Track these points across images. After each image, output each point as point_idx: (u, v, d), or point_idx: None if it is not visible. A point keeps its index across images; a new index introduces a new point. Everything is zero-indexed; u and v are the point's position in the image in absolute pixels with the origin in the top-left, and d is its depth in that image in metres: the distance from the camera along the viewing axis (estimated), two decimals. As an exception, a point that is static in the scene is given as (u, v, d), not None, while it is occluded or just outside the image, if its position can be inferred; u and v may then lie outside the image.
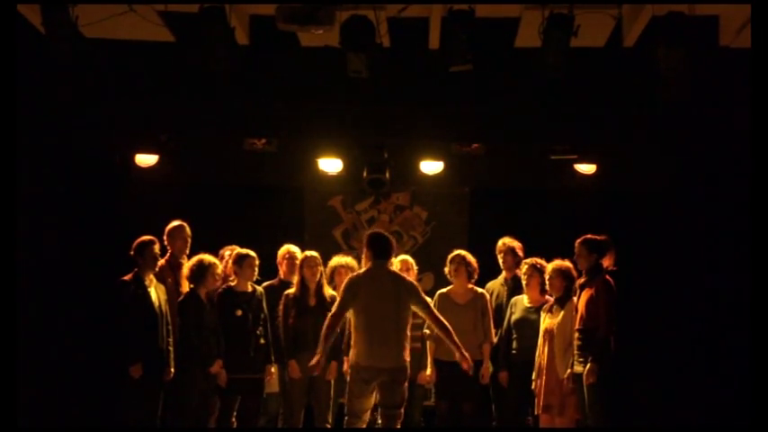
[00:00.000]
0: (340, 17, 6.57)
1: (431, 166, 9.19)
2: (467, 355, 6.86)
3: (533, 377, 7.45)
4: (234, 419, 7.40)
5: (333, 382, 7.59)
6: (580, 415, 7.14)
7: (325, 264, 7.82)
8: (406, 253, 8.79)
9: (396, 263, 7.72)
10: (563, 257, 7.40)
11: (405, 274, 7.34)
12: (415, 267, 8.00)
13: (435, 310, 7.10)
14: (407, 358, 6.90)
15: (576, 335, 7.12)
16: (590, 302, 7.07)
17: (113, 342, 7.38)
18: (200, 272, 7.25)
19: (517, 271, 7.93)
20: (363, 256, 7.07)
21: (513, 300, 7.82)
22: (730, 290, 8.39)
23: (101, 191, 9.04)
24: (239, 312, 7.38)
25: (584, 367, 6.99)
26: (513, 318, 7.74)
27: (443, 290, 7.86)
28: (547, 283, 7.46)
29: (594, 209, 9.09)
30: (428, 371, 7.71)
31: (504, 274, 8.12)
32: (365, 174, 8.95)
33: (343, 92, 7.68)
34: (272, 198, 9.75)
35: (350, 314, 6.88)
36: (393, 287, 6.87)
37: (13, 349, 5.94)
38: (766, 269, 5.64)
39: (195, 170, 9.46)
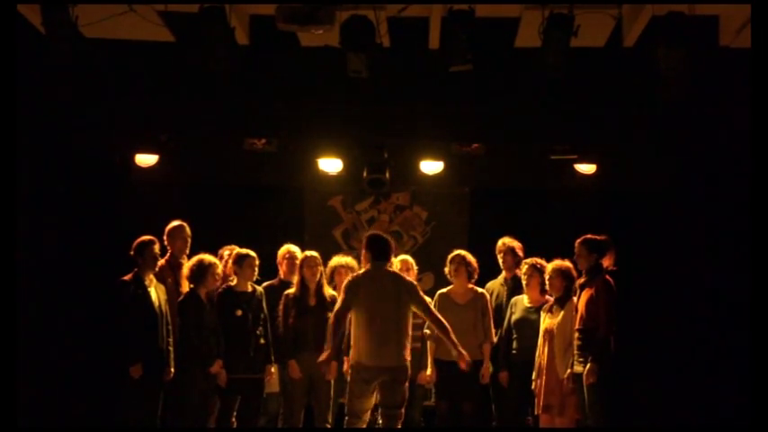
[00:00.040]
0: (340, 17, 6.56)
1: (431, 166, 9.18)
2: (464, 353, 6.89)
3: (533, 377, 7.45)
4: (234, 419, 7.40)
5: (333, 382, 7.59)
6: (580, 415, 7.14)
7: (325, 264, 7.82)
8: (406, 253, 8.80)
9: (396, 263, 7.74)
10: (563, 257, 7.40)
11: (405, 274, 7.37)
12: (415, 267, 8.00)
13: (434, 310, 7.14)
14: (408, 357, 6.93)
15: (576, 335, 7.12)
16: (590, 302, 7.07)
17: (113, 342, 7.38)
18: (200, 272, 7.25)
19: (517, 271, 7.93)
20: (362, 257, 7.13)
21: (514, 300, 7.82)
22: (730, 290, 8.39)
23: (101, 191, 9.04)
24: (239, 312, 7.38)
25: (584, 367, 6.99)
26: (514, 318, 7.74)
27: (443, 290, 7.86)
28: (547, 283, 7.46)
29: (594, 209, 9.09)
30: (428, 371, 7.71)
31: (503, 274, 8.12)
32: (365, 174, 8.94)
33: (343, 92, 7.68)
34: (272, 198, 9.75)
35: (350, 314, 6.90)
36: (393, 287, 6.91)
37: (13, 349, 5.94)
38: (766, 269, 5.64)
39: (195, 170, 9.46)
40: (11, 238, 5.94)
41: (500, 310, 7.90)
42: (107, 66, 7.74)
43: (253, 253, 7.51)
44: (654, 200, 9.13)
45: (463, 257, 7.81)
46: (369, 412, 7.06)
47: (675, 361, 8.75)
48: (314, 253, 7.69)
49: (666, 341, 8.80)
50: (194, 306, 7.23)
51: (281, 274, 7.89)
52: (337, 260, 8.06)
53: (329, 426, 7.62)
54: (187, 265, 7.36)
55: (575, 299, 7.27)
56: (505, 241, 8.09)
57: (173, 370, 7.32)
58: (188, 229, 7.77)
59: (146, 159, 9.06)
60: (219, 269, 7.37)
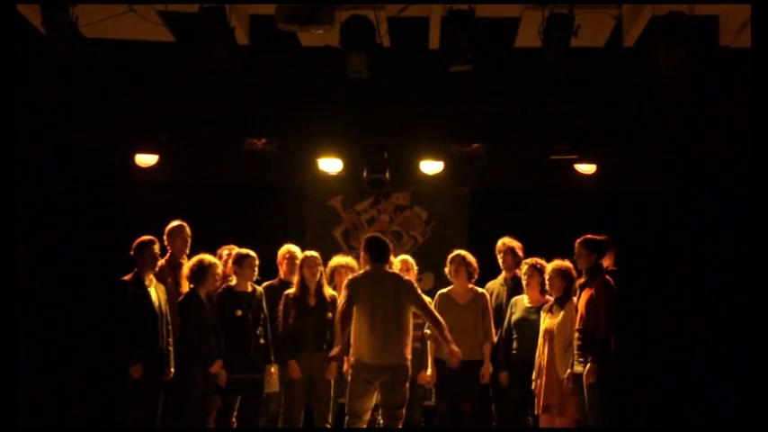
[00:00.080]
0: (340, 17, 6.56)
1: (431, 166, 9.19)
2: (456, 350, 6.94)
3: (533, 377, 7.45)
4: (234, 419, 7.40)
5: (333, 382, 7.59)
6: (580, 415, 7.14)
7: (325, 264, 7.82)
8: (406, 253, 8.81)
9: (396, 263, 7.77)
10: (563, 257, 7.40)
11: (405, 274, 7.41)
12: (415, 267, 8.01)
13: (431, 308, 7.19)
14: (409, 356, 6.96)
15: (576, 335, 7.12)
16: (590, 302, 7.07)
17: (113, 342, 7.38)
18: (201, 272, 7.25)
19: (517, 271, 7.93)
20: (361, 259, 7.21)
21: (514, 300, 7.82)
22: (730, 290, 8.38)
23: (101, 191, 9.04)
24: (239, 312, 7.38)
25: (584, 367, 6.99)
26: (514, 318, 7.74)
27: (444, 290, 7.87)
28: (547, 283, 7.46)
29: (594, 209, 9.09)
30: (428, 371, 7.71)
31: (503, 274, 8.13)
32: (365, 174, 8.95)
33: (343, 92, 7.67)
34: (272, 198, 9.75)
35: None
36: (392, 287, 6.98)
37: (13, 349, 5.94)
38: (766, 269, 5.64)
39: (195, 170, 9.46)
40: (11, 238, 5.94)
41: (500, 310, 7.91)
42: (107, 66, 7.72)
43: (253, 253, 7.51)
44: (654, 200, 9.13)
45: (463, 257, 7.81)
46: (369, 412, 7.07)
47: (675, 361, 8.75)
48: (314, 253, 7.70)
49: (666, 341, 8.80)
50: (194, 306, 7.23)
51: (281, 274, 7.89)
52: (337, 260, 8.07)
53: (329, 426, 7.62)
54: (187, 265, 7.36)
55: (575, 299, 7.27)
56: (505, 241, 8.10)
57: (173, 370, 7.32)
58: (188, 229, 7.77)
59: (146, 159, 9.06)
60: (219, 269, 7.37)
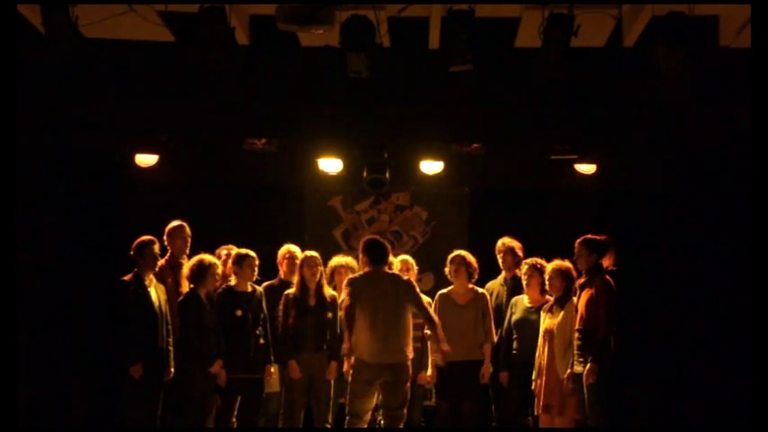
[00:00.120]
0: (340, 17, 6.56)
1: (431, 166, 9.19)
2: (447, 349, 7.03)
3: (533, 377, 7.45)
4: (234, 419, 7.40)
5: (333, 382, 7.59)
6: (580, 415, 7.14)
7: (325, 264, 7.82)
8: (406, 253, 8.81)
9: (396, 263, 7.78)
10: (563, 257, 7.40)
11: (405, 274, 7.43)
12: (415, 267, 8.01)
13: (428, 308, 7.22)
14: (411, 355, 6.99)
15: (576, 335, 7.12)
16: (590, 302, 7.07)
17: (114, 342, 7.38)
18: (201, 272, 7.25)
19: (517, 271, 7.93)
20: (360, 261, 7.27)
21: (514, 300, 7.82)
22: (730, 290, 8.38)
23: (101, 191, 9.04)
24: (239, 312, 7.38)
25: (584, 367, 6.99)
26: (514, 318, 7.74)
27: (444, 290, 7.87)
28: (546, 283, 7.46)
29: (594, 209, 9.09)
30: (428, 371, 7.71)
31: (503, 274, 8.12)
32: (365, 174, 8.95)
33: (343, 92, 7.67)
34: (272, 198, 9.75)
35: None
36: (392, 286, 7.05)
37: (13, 349, 5.94)
38: (766, 269, 5.64)
39: (195, 170, 9.46)
40: (11, 238, 5.94)
41: (500, 310, 7.90)
42: (107, 66, 7.73)
43: (253, 253, 7.51)
44: (654, 200, 9.14)
45: (463, 258, 7.81)
46: (370, 413, 7.08)
47: (675, 361, 8.75)
48: (314, 253, 7.70)
49: (666, 341, 8.80)
50: (194, 306, 7.23)
51: (281, 274, 7.89)
52: (337, 260, 8.07)
53: (329, 426, 7.62)
54: (187, 265, 7.36)
55: (575, 299, 7.27)
56: (505, 241, 8.09)
57: (173, 370, 7.32)
58: (188, 229, 7.77)
59: (146, 159, 9.06)
60: (219, 269, 7.37)
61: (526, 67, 7.12)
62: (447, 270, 7.85)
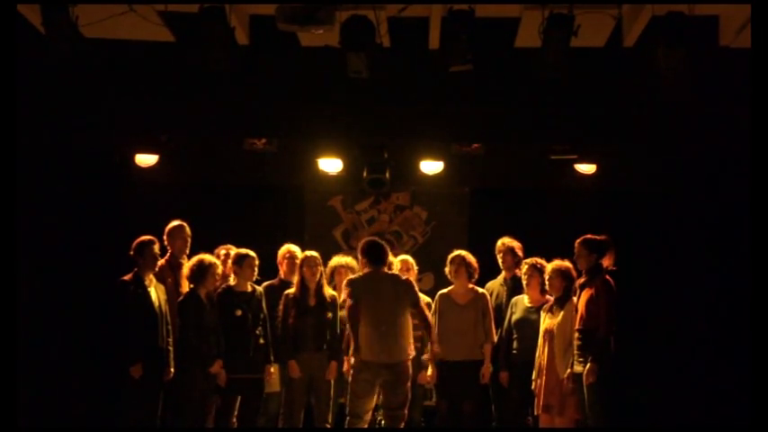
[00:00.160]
0: (340, 17, 6.56)
1: (431, 166, 9.19)
2: (437, 351, 7.22)
3: (533, 377, 7.45)
4: (234, 419, 7.40)
5: (333, 382, 7.59)
6: (580, 415, 7.14)
7: (325, 264, 7.82)
8: (406, 253, 8.81)
9: (396, 263, 7.79)
10: (563, 257, 7.39)
11: (405, 274, 7.45)
12: (415, 267, 8.01)
13: (424, 308, 7.28)
14: (412, 354, 7.01)
15: (576, 335, 7.12)
16: (590, 302, 7.07)
17: (113, 342, 7.38)
18: (201, 272, 7.25)
19: (517, 271, 7.93)
20: (359, 262, 7.29)
21: (514, 300, 7.82)
22: (730, 290, 8.38)
23: (101, 191, 9.04)
24: (239, 312, 7.38)
25: (584, 367, 6.99)
26: (514, 318, 7.74)
27: (444, 290, 7.86)
28: (546, 283, 7.46)
29: (594, 209, 9.09)
30: (428, 371, 7.70)
31: (503, 274, 8.12)
32: (365, 174, 8.95)
33: (343, 92, 7.67)
34: (272, 198, 9.75)
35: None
36: (391, 286, 7.10)
37: (13, 349, 5.94)
38: (766, 269, 5.64)
39: (195, 170, 9.46)
40: (11, 237, 5.94)
41: (500, 310, 7.90)
42: (107, 66, 7.73)
43: (252, 253, 7.51)
44: (654, 200, 9.14)
45: (463, 258, 7.80)
46: (370, 413, 7.09)
47: (675, 361, 8.75)
48: (314, 253, 7.70)
49: (666, 341, 8.80)
50: (194, 306, 7.23)
51: (281, 274, 7.89)
52: (337, 260, 8.07)
53: (329, 426, 7.62)
54: (187, 265, 7.36)
55: (575, 299, 7.27)
56: (505, 241, 8.09)
57: (173, 370, 7.32)
58: (188, 229, 7.77)
59: (146, 159, 9.06)
60: (219, 269, 7.37)
61: (526, 67, 7.12)
62: (447, 270, 7.85)
